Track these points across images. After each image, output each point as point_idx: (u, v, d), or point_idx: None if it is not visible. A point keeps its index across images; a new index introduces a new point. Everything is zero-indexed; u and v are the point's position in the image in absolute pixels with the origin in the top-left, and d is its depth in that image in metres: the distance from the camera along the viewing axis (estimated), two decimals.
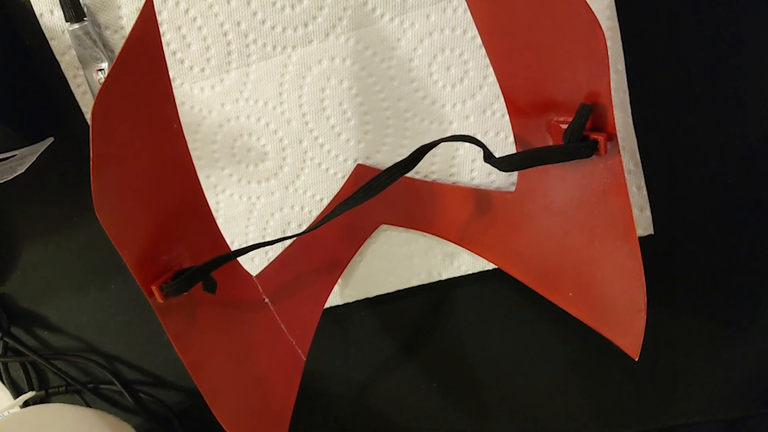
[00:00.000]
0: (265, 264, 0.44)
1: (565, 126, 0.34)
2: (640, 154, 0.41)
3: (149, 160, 0.35)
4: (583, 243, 0.38)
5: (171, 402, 0.53)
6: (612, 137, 0.33)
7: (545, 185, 0.39)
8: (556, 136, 0.36)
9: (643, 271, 0.35)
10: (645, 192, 0.42)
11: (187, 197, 0.38)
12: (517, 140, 0.40)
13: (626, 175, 0.42)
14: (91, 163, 0.30)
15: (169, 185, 0.37)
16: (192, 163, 0.38)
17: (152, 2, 0.32)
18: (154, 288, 0.34)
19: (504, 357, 0.48)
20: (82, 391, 0.52)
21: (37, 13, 0.41)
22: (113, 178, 0.33)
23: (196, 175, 0.38)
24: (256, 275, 0.43)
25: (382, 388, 0.50)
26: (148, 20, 0.33)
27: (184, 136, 0.37)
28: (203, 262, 0.37)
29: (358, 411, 0.51)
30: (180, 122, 0.36)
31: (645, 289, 0.35)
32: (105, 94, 0.31)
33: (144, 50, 0.33)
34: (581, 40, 0.31)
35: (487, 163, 0.36)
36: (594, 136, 0.33)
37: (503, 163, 0.36)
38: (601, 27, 0.30)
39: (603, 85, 0.32)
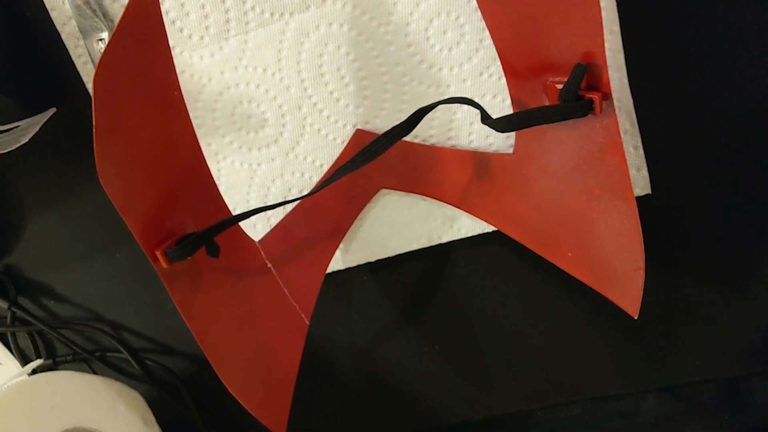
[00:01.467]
0: (267, 230, 0.45)
1: (561, 86, 0.34)
2: (637, 114, 0.42)
3: (151, 127, 0.36)
4: (581, 203, 0.39)
5: (177, 369, 0.54)
6: (607, 96, 0.33)
7: (542, 146, 0.39)
8: (552, 97, 0.36)
9: (640, 230, 0.35)
10: (642, 152, 0.42)
11: (189, 164, 0.39)
12: (514, 102, 0.40)
13: (623, 135, 0.42)
14: (93, 132, 0.31)
15: (172, 152, 0.37)
16: (193, 131, 0.38)
17: None
18: (158, 253, 0.35)
19: (504, 319, 0.49)
20: (89, 359, 0.54)
21: None
22: (116, 146, 0.33)
23: (198, 142, 0.38)
24: (259, 241, 0.44)
25: (385, 351, 0.51)
26: None
27: (185, 103, 0.37)
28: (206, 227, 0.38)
29: (361, 374, 0.52)
30: (180, 90, 0.37)
31: (643, 248, 0.36)
32: (106, 64, 0.31)
33: (143, 18, 0.34)
34: (575, 1, 0.31)
35: (485, 124, 0.37)
36: (589, 95, 0.33)
37: (500, 124, 0.36)
38: None
39: (597, 45, 0.32)
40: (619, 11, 0.39)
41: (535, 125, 0.35)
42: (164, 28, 0.35)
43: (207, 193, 0.40)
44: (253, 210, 0.38)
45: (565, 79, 0.34)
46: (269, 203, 0.47)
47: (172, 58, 0.36)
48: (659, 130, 0.42)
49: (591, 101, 0.33)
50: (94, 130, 0.31)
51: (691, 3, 0.39)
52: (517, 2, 0.35)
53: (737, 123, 0.41)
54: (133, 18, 0.32)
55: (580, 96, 0.34)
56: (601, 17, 0.31)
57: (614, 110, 0.33)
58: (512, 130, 0.36)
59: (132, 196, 0.34)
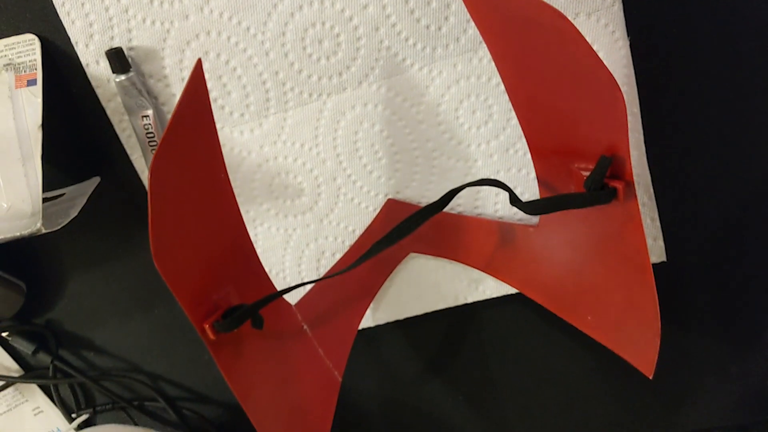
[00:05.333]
0: (302, 293, 0.47)
1: (585, 173, 0.37)
2: (654, 189, 0.44)
3: (199, 209, 0.38)
4: (601, 274, 0.41)
5: (212, 416, 0.56)
6: (630, 184, 0.36)
7: (566, 222, 0.42)
8: (577, 181, 0.39)
9: (657, 301, 0.38)
10: (658, 223, 0.45)
11: (233, 240, 0.41)
12: (540, 182, 0.42)
13: (641, 208, 0.45)
14: (149, 219, 0.32)
15: (218, 230, 0.40)
16: (238, 209, 0.40)
17: (201, 64, 0.34)
18: (206, 326, 0.37)
19: (525, 373, 0.52)
20: (127, 407, 0.56)
21: (84, 64, 0.44)
22: (169, 230, 0.35)
23: (242, 219, 0.41)
24: (295, 304, 0.46)
25: (410, 402, 0.54)
26: (197, 81, 0.35)
27: (230, 183, 0.39)
28: (249, 297, 0.40)
29: (388, 425, 0.55)
30: (227, 171, 0.39)
31: (659, 316, 0.38)
32: (160, 156, 0.33)
33: (194, 110, 0.36)
34: (601, 99, 0.34)
35: (514, 206, 0.39)
36: (613, 183, 0.36)
37: (529, 208, 0.39)
38: (620, 89, 0.32)
39: (622, 140, 0.34)
40: (639, 94, 0.42)
41: (561, 210, 0.38)
42: (212, 117, 0.37)
43: (250, 266, 0.42)
44: (297, 285, 0.40)
45: (590, 166, 0.37)
46: (303, 265, 0.49)
47: (219, 143, 0.38)
48: (674, 202, 0.45)
49: (615, 190, 0.36)
50: (149, 217, 0.32)
51: (705, 87, 0.42)
52: (545, 96, 0.38)
53: (745, 197, 0.44)
54: (185, 110, 0.34)
55: (605, 184, 0.36)
56: (626, 115, 0.33)
57: (635, 195, 0.36)
58: (539, 214, 0.39)
59: (182, 274, 0.36)
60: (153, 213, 0.33)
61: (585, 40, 0.31)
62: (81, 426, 0.55)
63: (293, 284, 0.50)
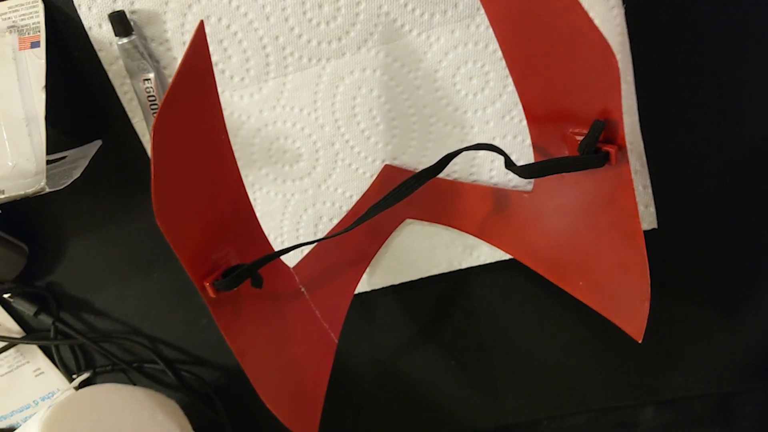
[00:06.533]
0: (300, 257, 0.48)
1: (579, 137, 0.38)
2: (646, 156, 0.45)
3: (201, 170, 0.38)
4: (593, 239, 0.42)
5: (210, 379, 0.57)
6: (622, 148, 0.37)
7: (560, 187, 0.43)
8: (571, 146, 0.39)
9: (647, 266, 0.39)
10: (650, 190, 0.46)
11: (233, 201, 0.42)
12: (535, 147, 0.43)
13: (633, 175, 0.45)
14: (152, 178, 0.33)
15: (218, 191, 0.40)
16: (238, 171, 0.41)
17: (203, 26, 0.35)
18: (207, 284, 0.38)
19: (516, 337, 0.53)
20: (127, 369, 0.57)
21: (86, 27, 0.44)
22: (171, 189, 0.36)
23: (242, 181, 0.42)
24: (293, 267, 0.47)
25: (404, 365, 0.55)
26: (199, 43, 0.35)
27: (231, 145, 0.40)
28: (248, 258, 0.41)
29: (381, 386, 0.56)
30: (227, 133, 0.40)
31: (649, 281, 0.39)
32: (163, 116, 0.33)
33: (196, 70, 0.36)
34: (596, 64, 0.34)
35: (508, 170, 0.40)
36: (606, 148, 0.37)
37: (523, 171, 0.40)
38: (614, 54, 0.33)
39: (615, 104, 0.35)
40: (634, 63, 0.42)
41: (555, 173, 0.39)
42: (214, 79, 0.38)
43: (249, 227, 0.43)
44: (295, 245, 0.41)
45: (584, 131, 0.38)
46: (301, 230, 0.50)
47: (220, 105, 0.39)
48: (666, 169, 0.45)
49: (607, 154, 0.37)
50: (152, 176, 0.33)
51: (698, 55, 0.43)
52: (541, 60, 0.39)
53: (736, 165, 0.45)
54: (187, 71, 0.35)
55: (598, 148, 0.37)
56: (619, 80, 0.34)
57: (627, 160, 0.37)
58: (534, 177, 0.40)
59: (183, 233, 0.37)
60: (156, 172, 0.34)
61: (581, 5, 0.32)
62: (81, 386, 0.56)
63: (292, 252, 0.51)
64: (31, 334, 0.56)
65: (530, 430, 0.58)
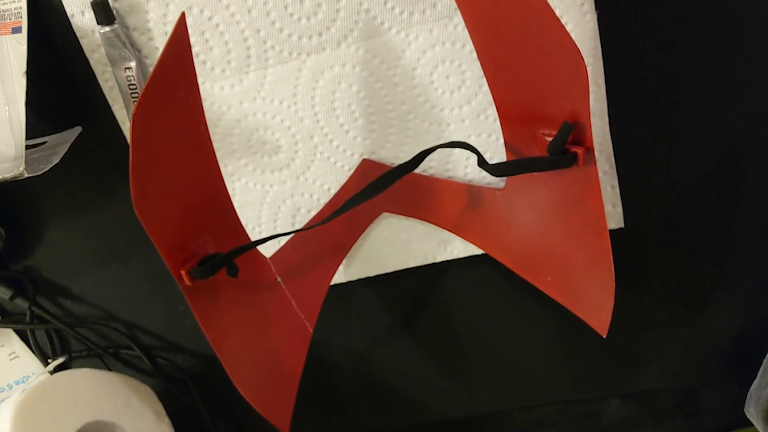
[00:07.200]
0: (277, 247, 0.49)
1: (549, 138, 0.39)
2: (615, 157, 0.46)
3: (179, 159, 0.39)
4: (562, 236, 0.43)
5: (185, 365, 0.58)
6: (589, 150, 0.38)
7: (530, 186, 0.44)
8: (541, 146, 0.41)
9: (612, 263, 0.40)
10: (618, 191, 0.47)
11: (211, 191, 0.42)
12: (507, 146, 0.44)
13: (601, 175, 0.47)
14: (130, 168, 0.33)
15: (196, 180, 0.41)
16: (216, 161, 0.42)
17: (184, 17, 0.36)
18: (183, 272, 0.39)
19: (488, 331, 0.54)
20: (103, 355, 0.57)
21: (69, 14, 0.45)
22: (149, 179, 0.36)
23: (220, 171, 0.42)
24: (270, 257, 0.48)
25: (378, 356, 0.56)
26: (180, 34, 0.36)
27: (209, 136, 0.41)
28: (225, 248, 0.42)
29: (356, 376, 0.57)
30: (206, 124, 0.40)
31: (614, 278, 0.40)
32: (143, 106, 0.34)
33: (176, 62, 0.37)
34: (565, 68, 0.35)
35: (481, 168, 0.41)
36: (574, 149, 0.38)
37: (495, 170, 0.41)
38: (583, 58, 0.34)
39: (583, 107, 0.36)
40: (605, 66, 0.44)
41: (525, 173, 0.40)
42: (194, 70, 0.38)
43: (226, 217, 0.44)
44: (271, 236, 0.42)
45: (554, 132, 0.39)
46: (279, 221, 0.51)
47: (200, 96, 0.40)
48: (633, 171, 0.47)
49: (575, 155, 0.38)
50: (131, 166, 0.34)
51: (664, 62, 0.44)
52: (513, 63, 0.40)
53: (700, 168, 0.47)
54: (168, 61, 0.35)
55: (566, 149, 0.38)
56: (588, 84, 0.35)
57: (595, 161, 0.38)
58: (505, 176, 0.41)
59: (161, 221, 0.38)
60: (134, 160, 0.35)
61: (551, 10, 0.33)
62: (56, 370, 0.57)
63: (270, 242, 0.51)
64: (7, 317, 0.57)
65: (501, 420, 0.60)
